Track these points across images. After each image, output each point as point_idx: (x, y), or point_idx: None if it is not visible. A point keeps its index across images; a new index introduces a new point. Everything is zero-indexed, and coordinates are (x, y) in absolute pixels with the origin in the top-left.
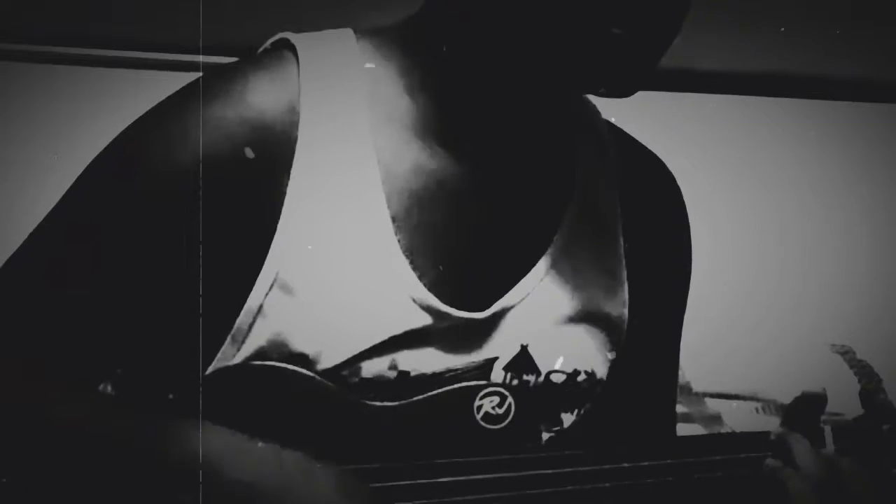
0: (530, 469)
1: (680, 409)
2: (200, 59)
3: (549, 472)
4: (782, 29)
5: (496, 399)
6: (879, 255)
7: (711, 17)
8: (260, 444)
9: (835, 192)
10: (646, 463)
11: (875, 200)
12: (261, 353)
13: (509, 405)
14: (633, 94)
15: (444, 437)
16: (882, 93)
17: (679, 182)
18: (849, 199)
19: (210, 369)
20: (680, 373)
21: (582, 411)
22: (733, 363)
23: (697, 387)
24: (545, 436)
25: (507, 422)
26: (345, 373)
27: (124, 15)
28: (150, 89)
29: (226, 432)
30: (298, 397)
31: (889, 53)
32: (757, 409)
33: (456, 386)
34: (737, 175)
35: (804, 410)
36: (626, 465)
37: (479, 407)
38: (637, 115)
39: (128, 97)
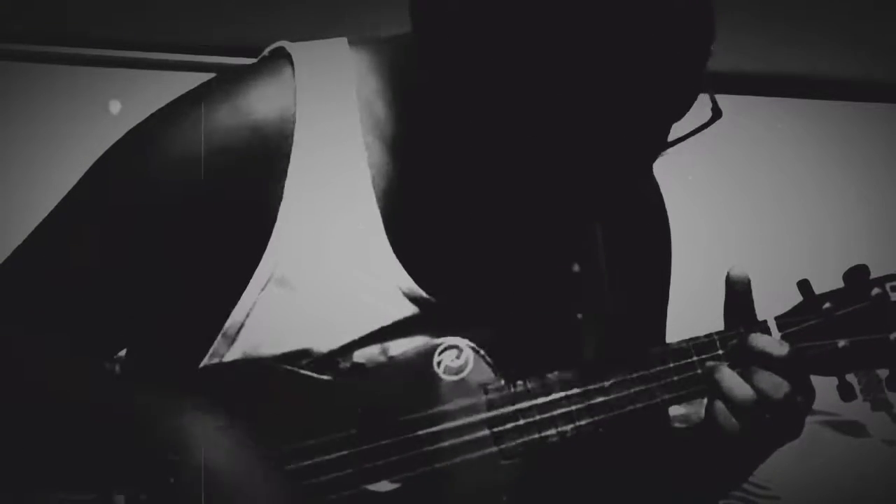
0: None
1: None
2: (200, 59)
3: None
4: (783, 29)
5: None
6: (880, 254)
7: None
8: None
9: (835, 191)
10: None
11: (875, 200)
12: (254, 349)
13: (466, 357)
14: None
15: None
16: (882, 93)
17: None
18: (849, 199)
19: (202, 365)
20: None
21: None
22: None
23: None
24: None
25: (466, 371)
26: (338, 359)
27: (123, 15)
28: (149, 89)
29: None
30: (285, 390)
31: (889, 53)
32: None
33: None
34: (736, 175)
35: (736, 298)
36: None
37: (440, 362)
38: None
39: (128, 97)
